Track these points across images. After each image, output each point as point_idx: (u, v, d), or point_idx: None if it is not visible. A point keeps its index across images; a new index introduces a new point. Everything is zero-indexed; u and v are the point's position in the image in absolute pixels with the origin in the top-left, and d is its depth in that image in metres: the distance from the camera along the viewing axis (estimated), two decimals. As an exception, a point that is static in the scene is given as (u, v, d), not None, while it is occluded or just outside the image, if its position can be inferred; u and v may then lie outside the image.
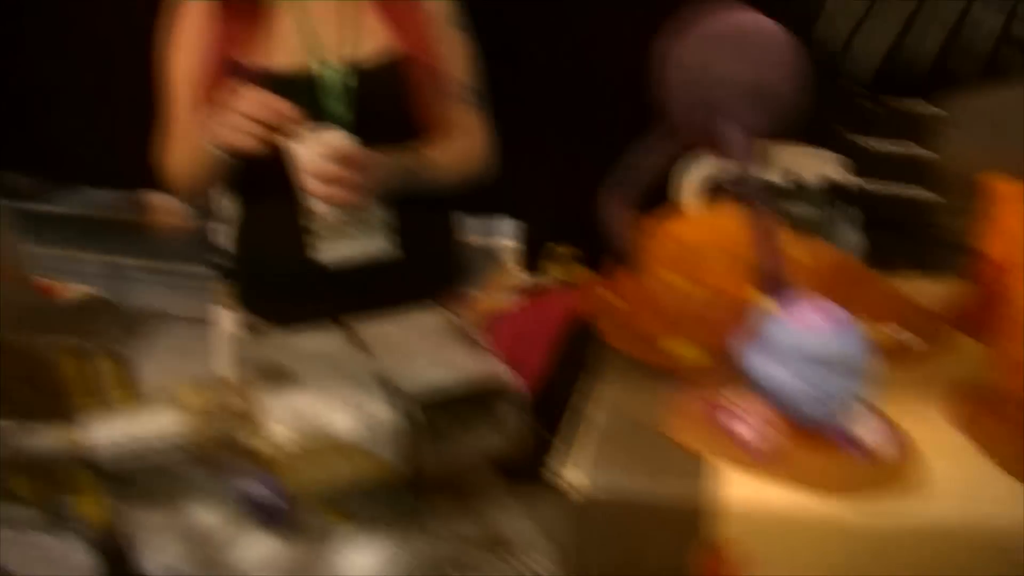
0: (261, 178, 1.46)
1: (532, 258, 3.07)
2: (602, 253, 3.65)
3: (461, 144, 1.58)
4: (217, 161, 1.45)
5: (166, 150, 1.56)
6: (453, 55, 1.57)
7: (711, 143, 0.82)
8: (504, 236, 3.12)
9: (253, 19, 1.47)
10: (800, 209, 1.95)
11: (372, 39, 1.50)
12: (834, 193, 1.95)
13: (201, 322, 3.52)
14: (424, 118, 1.51)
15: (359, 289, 1.49)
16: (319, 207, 1.40)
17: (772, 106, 0.81)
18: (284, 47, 1.47)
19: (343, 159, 1.36)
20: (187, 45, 1.52)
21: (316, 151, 1.34)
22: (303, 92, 1.44)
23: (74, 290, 3.90)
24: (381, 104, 1.49)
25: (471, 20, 1.60)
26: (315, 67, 1.47)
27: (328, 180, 1.35)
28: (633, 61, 2.72)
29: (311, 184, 1.36)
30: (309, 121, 1.39)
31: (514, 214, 3.04)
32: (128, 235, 4.96)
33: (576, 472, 0.83)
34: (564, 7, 2.69)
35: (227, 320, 2.65)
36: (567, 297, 2.46)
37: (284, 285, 1.55)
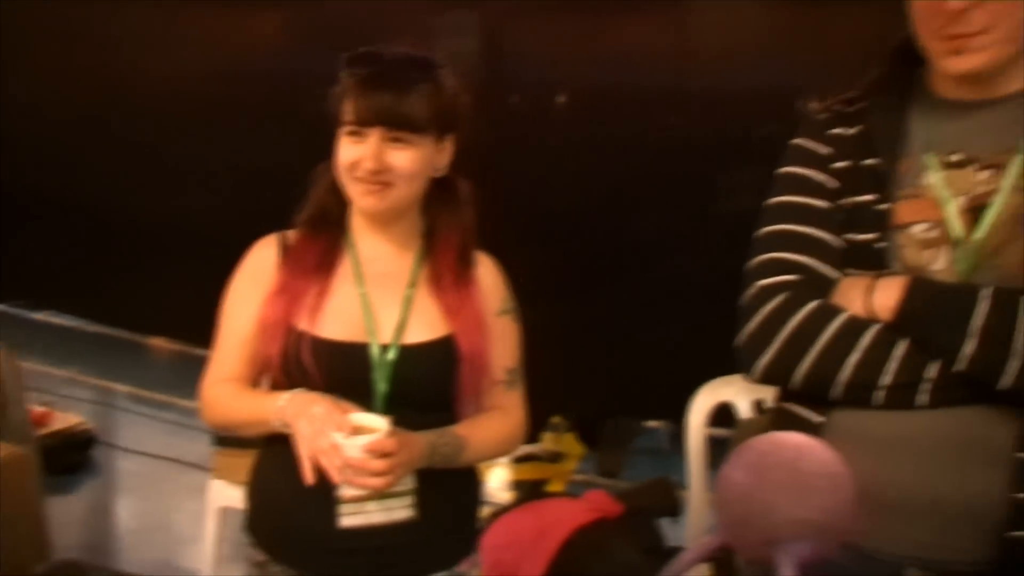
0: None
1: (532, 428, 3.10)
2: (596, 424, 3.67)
3: (499, 425, 1.60)
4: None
5: (207, 379, 1.58)
6: (501, 342, 1.60)
7: (762, 560, 0.84)
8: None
9: (318, 293, 1.53)
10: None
11: (426, 325, 1.55)
12: None
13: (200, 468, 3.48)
14: (465, 397, 1.55)
15: (375, 549, 1.51)
16: (351, 491, 1.42)
17: (828, 538, 0.83)
18: (342, 322, 1.52)
19: (385, 454, 1.38)
20: (248, 295, 1.57)
21: (360, 445, 1.36)
22: (351, 363, 1.50)
23: (65, 420, 3.87)
24: (424, 379, 1.53)
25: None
26: (367, 343, 1.52)
27: (369, 473, 1.37)
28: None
29: (352, 475, 1.38)
30: (353, 398, 1.45)
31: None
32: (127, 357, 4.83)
33: None
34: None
35: (220, 494, 2.61)
36: (569, 508, 2.45)
37: (300, 536, 1.55)
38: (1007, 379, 1.16)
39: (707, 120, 2.77)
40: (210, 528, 2.60)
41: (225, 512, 2.61)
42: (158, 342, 4.99)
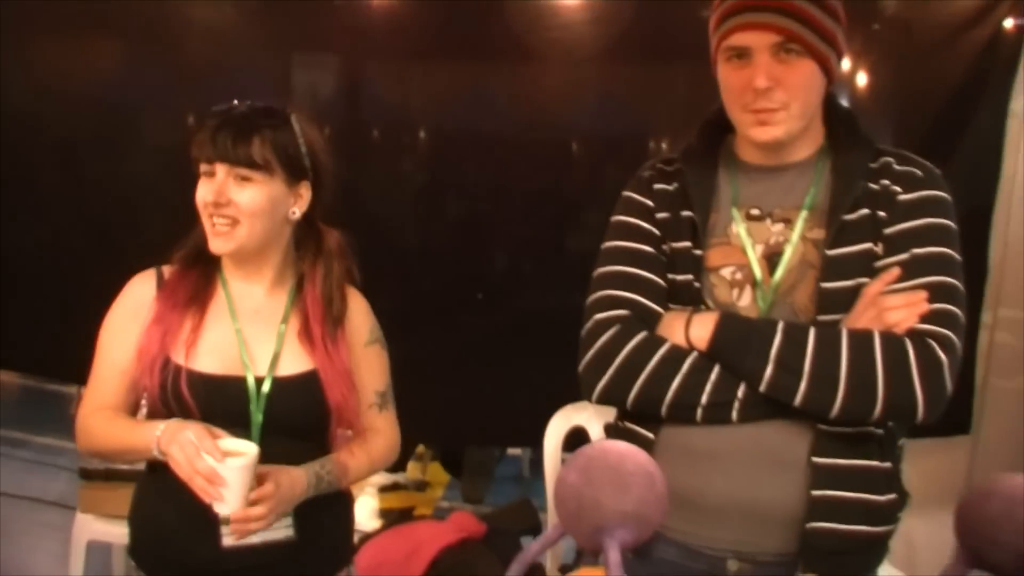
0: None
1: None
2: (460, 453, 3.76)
3: (374, 446, 1.69)
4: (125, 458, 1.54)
5: (83, 408, 1.63)
6: (370, 368, 1.71)
7: (593, 547, 1.01)
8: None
9: (193, 326, 1.59)
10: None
11: (298, 358, 1.63)
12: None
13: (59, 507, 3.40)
14: (338, 423, 1.63)
15: (257, 568, 1.58)
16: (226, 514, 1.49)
17: (645, 525, 1.01)
18: (217, 356, 1.59)
19: (265, 499, 1.46)
20: (126, 327, 1.62)
21: (236, 467, 1.42)
22: (228, 396, 1.57)
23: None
24: (298, 410, 1.61)
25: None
26: (243, 376, 1.58)
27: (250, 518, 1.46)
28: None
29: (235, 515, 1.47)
30: (228, 426, 1.51)
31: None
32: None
33: None
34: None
35: (87, 527, 2.61)
36: (436, 529, 2.58)
37: (183, 558, 1.60)
38: (799, 398, 1.37)
39: (560, 165, 2.96)
40: (76, 563, 2.58)
41: (91, 547, 2.59)
42: (6, 377, 4.83)
